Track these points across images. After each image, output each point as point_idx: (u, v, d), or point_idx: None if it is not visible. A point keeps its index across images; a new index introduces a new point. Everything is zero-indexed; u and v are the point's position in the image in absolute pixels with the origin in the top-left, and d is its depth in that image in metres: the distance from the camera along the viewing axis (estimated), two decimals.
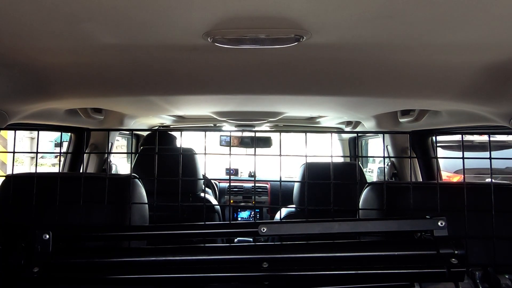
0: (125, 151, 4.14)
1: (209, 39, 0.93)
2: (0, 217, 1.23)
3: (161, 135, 2.90)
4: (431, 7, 0.76)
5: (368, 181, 2.63)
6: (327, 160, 1.39)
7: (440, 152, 5.81)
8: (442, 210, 1.05)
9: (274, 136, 3.67)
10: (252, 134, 3.74)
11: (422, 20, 0.83)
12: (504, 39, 0.93)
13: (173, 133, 3.03)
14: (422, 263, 0.92)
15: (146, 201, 1.47)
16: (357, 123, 2.93)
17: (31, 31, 0.92)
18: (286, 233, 0.98)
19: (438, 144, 5.11)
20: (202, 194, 2.57)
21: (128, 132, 3.35)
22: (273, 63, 1.23)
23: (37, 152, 1.23)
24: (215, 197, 3.72)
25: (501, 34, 0.89)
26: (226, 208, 3.55)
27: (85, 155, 2.53)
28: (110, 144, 2.62)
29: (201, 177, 2.55)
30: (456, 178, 5.53)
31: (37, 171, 1.22)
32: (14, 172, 1.35)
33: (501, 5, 0.74)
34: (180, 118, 3.17)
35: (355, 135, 3.60)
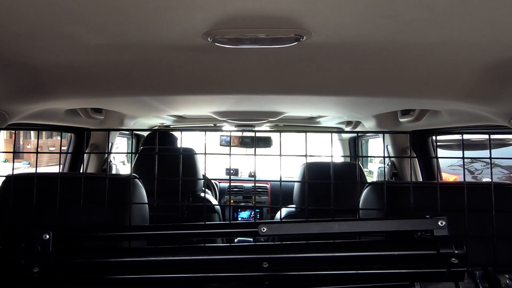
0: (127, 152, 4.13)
1: (209, 39, 0.93)
2: (0, 217, 1.23)
3: (163, 135, 2.90)
4: (430, 6, 0.76)
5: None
6: (327, 160, 1.39)
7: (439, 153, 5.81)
8: (442, 210, 1.05)
9: (274, 136, 3.67)
10: (252, 134, 3.74)
11: (422, 20, 0.83)
12: (504, 39, 0.93)
13: (173, 133, 3.03)
14: (422, 263, 0.92)
15: (146, 201, 1.47)
16: (357, 123, 2.93)
17: (32, 31, 0.92)
18: (286, 233, 0.97)
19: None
20: (202, 194, 2.57)
21: (128, 132, 3.35)
22: (273, 63, 1.23)
23: (37, 152, 1.23)
24: (215, 197, 3.72)
25: (500, 33, 0.89)
26: (226, 208, 3.55)
27: (85, 155, 2.53)
28: (110, 144, 2.62)
29: (201, 177, 2.55)
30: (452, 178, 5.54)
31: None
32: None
33: (501, 5, 0.74)
34: (180, 118, 3.17)
35: (355, 135, 3.60)
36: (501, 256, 1.05)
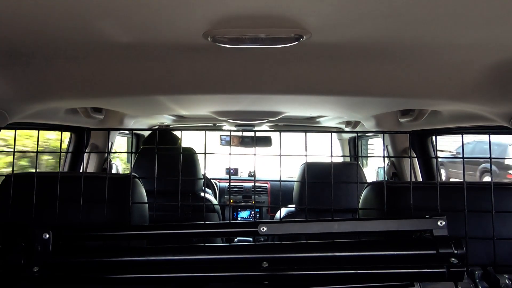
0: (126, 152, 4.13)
1: (209, 38, 0.93)
2: (0, 216, 1.23)
3: (165, 135, 2.89)
4: (431, 7, 0.76)
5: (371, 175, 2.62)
6: (327, 160, 1.39)
7: None
8: (442, 210, 1.05)
9: (274, 136, 3.67)
10: (252, 133, 3.74)
11: (423, 20, 0.83)
12: (505, 39, 0.93)
13: (175, 132, 3.03)
14: (421, 263, 0.92)
15: (146, 201, 1.47)
16: (357, 123, 2.93)
17: (32, 31, 0.92)
18: (285, 233, 0.98)
19: None
20: (202, 194, 2.57)
21: (128, 132, 3.35)
22: (273, 63, 1.23)
23: (37, 152, 1.23)
24: (215, 197, 3.72)
25: (501, 34, 0.89)
26: (226, 207, 3.55)
27: (85, 154, 2.53)
28: (110, 144, 2.62)
29: (201, 177, 2.55)
30: None
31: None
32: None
33: (502, 5, 0.74)
34: (180, 118, 3.17)
35: (355, 135, 3.60)
36: (501, 256, 1.05)
